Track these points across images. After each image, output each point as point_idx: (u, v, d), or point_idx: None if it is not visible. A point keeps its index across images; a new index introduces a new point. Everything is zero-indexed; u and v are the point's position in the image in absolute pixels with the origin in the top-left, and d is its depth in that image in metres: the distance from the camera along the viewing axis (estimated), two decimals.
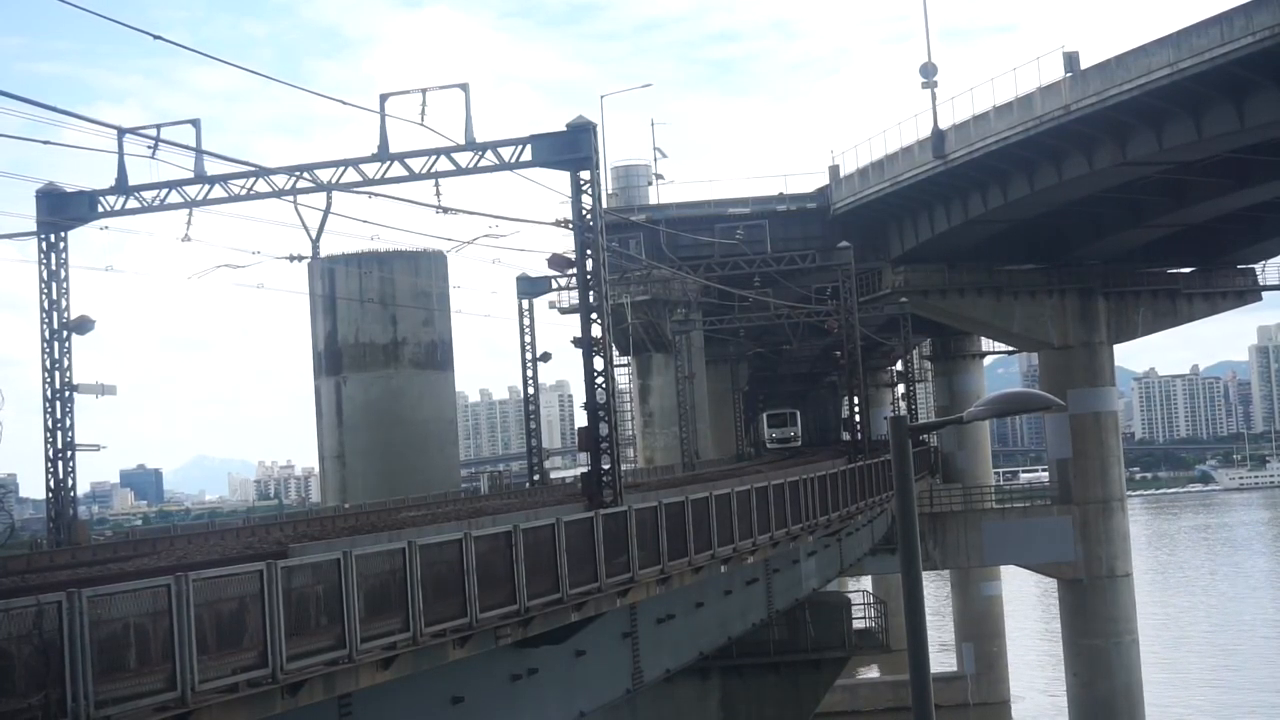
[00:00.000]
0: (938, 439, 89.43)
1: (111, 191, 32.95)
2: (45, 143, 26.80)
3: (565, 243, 42.50)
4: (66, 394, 33.19)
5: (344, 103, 29.43)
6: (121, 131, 31.57)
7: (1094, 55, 55.04)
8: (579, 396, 33.21)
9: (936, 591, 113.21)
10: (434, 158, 31.40)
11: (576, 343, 32.66)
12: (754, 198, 76.55)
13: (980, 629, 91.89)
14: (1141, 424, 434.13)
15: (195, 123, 32.11)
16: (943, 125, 64.29)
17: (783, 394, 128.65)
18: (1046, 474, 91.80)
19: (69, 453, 33.31)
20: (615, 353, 65.71)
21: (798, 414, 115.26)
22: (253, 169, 32.27)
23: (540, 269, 50.11)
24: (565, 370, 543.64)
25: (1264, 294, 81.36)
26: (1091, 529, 76.33)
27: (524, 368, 51.34)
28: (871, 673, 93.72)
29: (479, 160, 31.28)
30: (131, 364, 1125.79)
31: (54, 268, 33.11)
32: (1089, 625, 75.26)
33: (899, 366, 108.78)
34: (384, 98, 31.49)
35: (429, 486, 55.78)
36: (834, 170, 76.00)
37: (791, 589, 42.65)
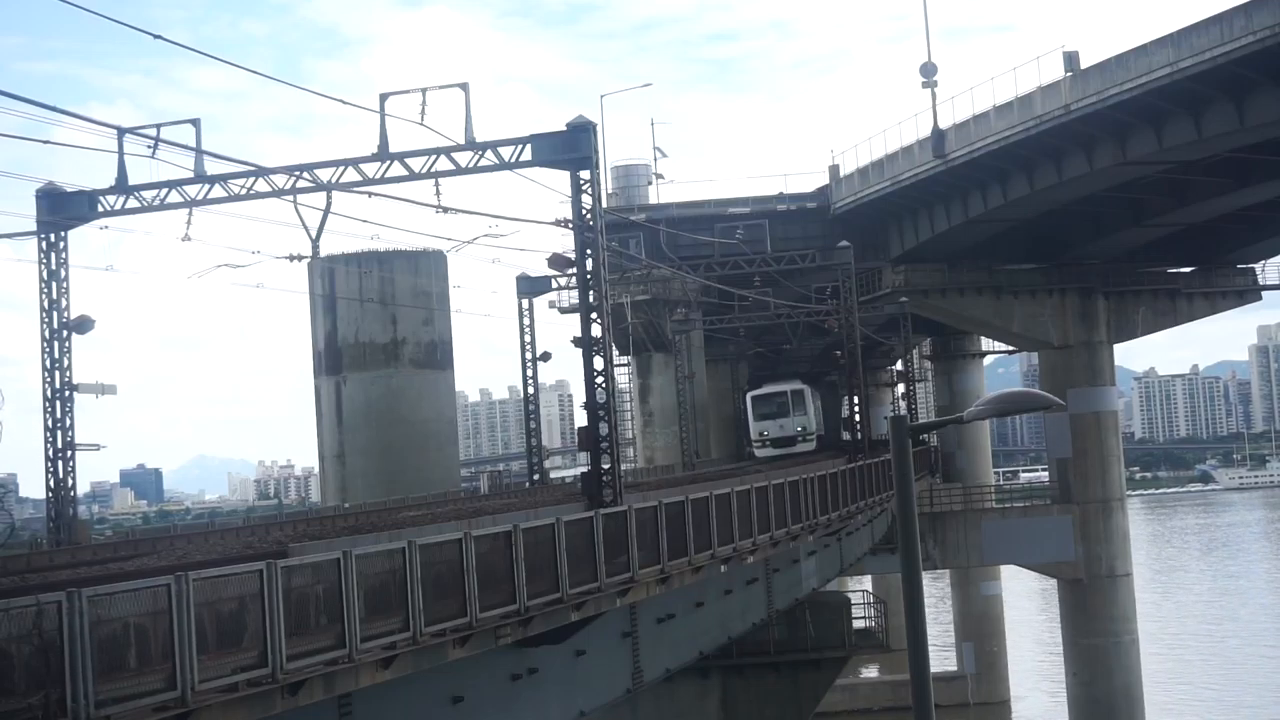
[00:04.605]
0: (938, 439, 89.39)
1: (111, 191, 32.93)
2: (45, 142, 26.81)
3: (565, 242, 42.61)
4: (66, 394, 33.18)
5: (344, 102, 29.45)
6: (121, 131, 31.57)
7: (1094, 55, 55.17)
8: (579, 396, 33.20)
9: (936, 591, 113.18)
10: (434, 157, 31.39)
11: (576, 342, 32.65)
12: (754, 197, 76.54)
13: (980, 629, 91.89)
14: (1141, 423, 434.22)
15: (195, 122, 32.10)
16: (943, 125, 64.31)
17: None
18: (1046, 473, 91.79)
19: (69, 452, 33.30)
20: (615, 353, 65.70)
21: (806, 393, 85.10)
22: (253, 169, 32.26)
23: (540, 269, 50.29)
24: (565, 370, 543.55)
25: (1264, 294, 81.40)
26: (1091, 528, 76.34)
27: (524, 367, 51.36)
28: (871, 672, 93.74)
29: (479, 160, 31.27)
30: (131, 364, 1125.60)
31: (54, 267, 33.10)
32: (1089, 625, 75.28)
33: (899, 366, 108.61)
34: (384, 97, 31.48)
35: (429, 486, 55.82)
36: (834, 170, 76.00)
37: (791, 589, 42.66)
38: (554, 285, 58.77)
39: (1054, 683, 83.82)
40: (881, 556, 66.51)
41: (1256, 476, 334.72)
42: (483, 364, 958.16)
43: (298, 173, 32.12)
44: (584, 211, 31.43)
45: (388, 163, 31.55)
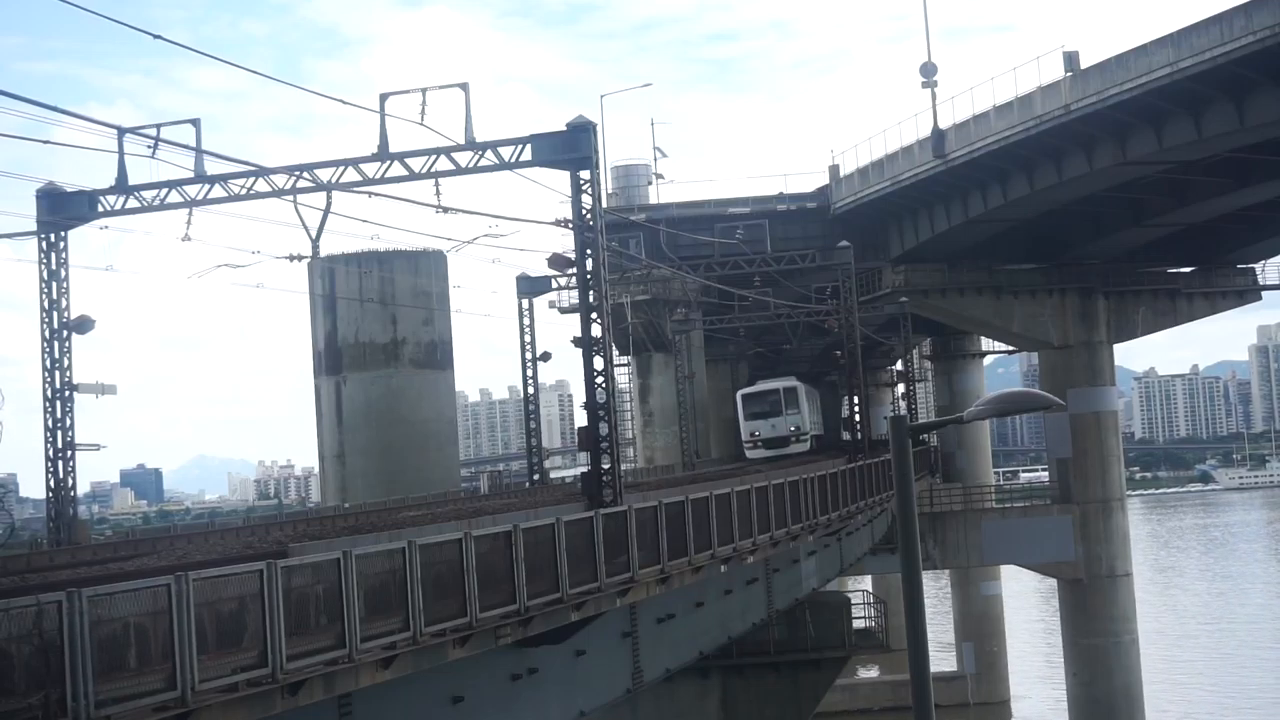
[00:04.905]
0: (938, 439, 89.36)
1: (111, 191, 32.93)
2: (45, 142, 26.81)
3: (565, 242, 42.62)
4: (66, 394, 33.18)
5: (344, 102, 29.44)
6: (121, 131, 31.57)
7: (1094, 55, 55.18)
8: (579, 396, 33.19)
9: (936, 591, 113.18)
10: (434, 157, 31.38)
11: (576, 342, 32.65)
12: (754, 197, 76.54)
13: (980, 629, 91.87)
14: (1141, 423, 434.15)
15: (195, 122, 32.10)
16: (943, 125, 64.31)
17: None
18: (1046, 474, 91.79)
19: (69, 452, 33.29)
20: (615, 353, 65.67)
21: (799, 390, 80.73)
22: (253, 169, 32.25)
23: (540, 269, 50.29)
24: (565, 370, 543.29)
25: (1264, 294, 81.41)
26: (1091, 528, 76.34)
27: (524, 367, 51.34)
28: (871, 672, 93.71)
29: (479, 160, 31.26)
30: (131, 364, 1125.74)
31: (54, 267, 33.09)
32: (1089, 625, 75.28)
33: (899, 366, 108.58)
34: (384, 97, 31.47)
35: (429, 486, 55.81)
36: (834, 170, 76.02)
37: (791, 588, 42.66)
38: (554, 285, 58.76)
39: (1054, 683, 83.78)
40: (881, 556, 66.50)
41: (1256, 476, 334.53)
42: (483, 364, 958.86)
43: (298, 173, 32.11)
44: (584, 211, 31.41)
45: (388, 163, 31.54)
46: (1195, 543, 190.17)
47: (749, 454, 78.91)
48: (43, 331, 33.17)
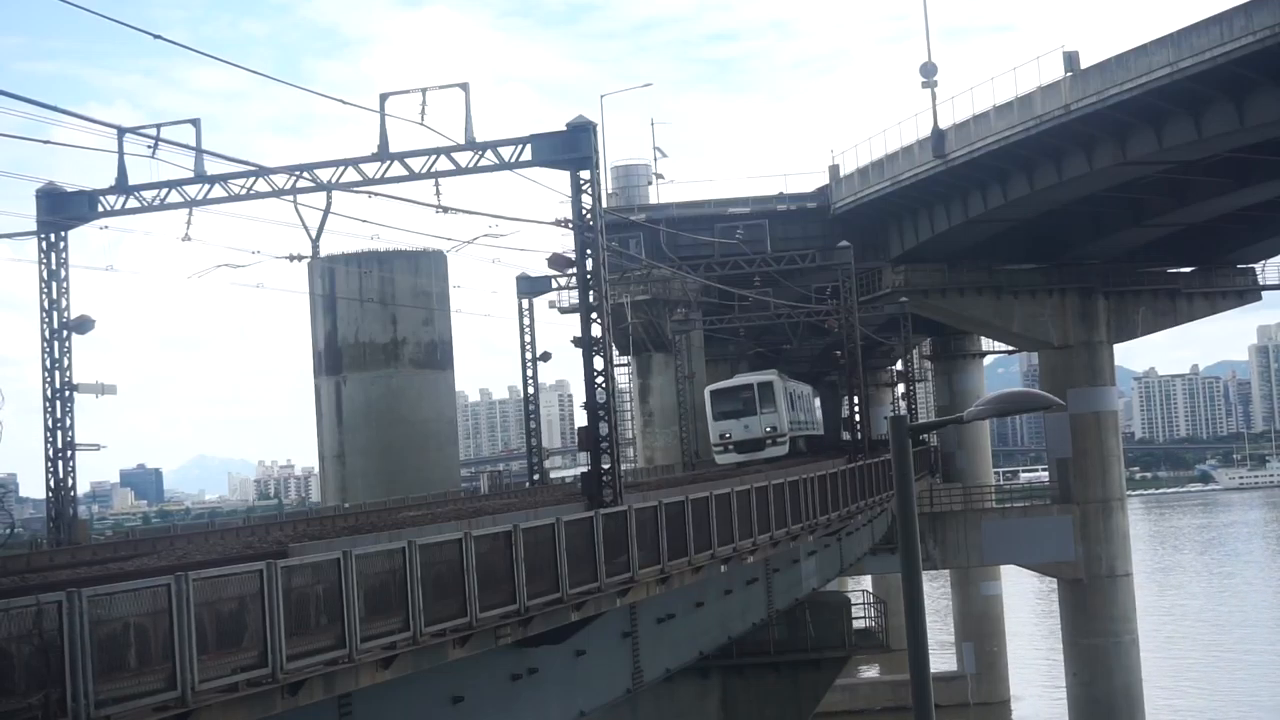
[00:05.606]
0: (938, 439, 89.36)
1: (111, 191, 32.91)
2: (45, 142, 26.79)
3: (565, 242, 42.65)
4: (66, 394, 33.17)
5: (344, 102, 29.44)
6: (121, 131, 31.57)
7: (1094, 55, 55.18)
8: (579, 396, 33.18)
9: (936, 591, 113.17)
10: (434, 157, 31.37)
11: (576, 342, 32.64)
12: (754, 197, 76.51)
13: (980, 629, 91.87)
14: (1141, 423, 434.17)
15: (195, 122, 32.09)
16: (943, 125, 64.29)
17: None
18: (1046, 474, 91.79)
19: (69, 452, 33.28)
20: (615, 353, 65.62)
21: (776, 386, 70.34)
22: (253, 168, 32.23)
23: (540, 269, 50.31)
24: (565, 370, 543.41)
25: (1264, 294, 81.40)
26: (1091, 528, 76.34)
27: (524, 367, 51.35)
28: (871, 672, 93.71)
29: (479, 160, 31.24)
30: (131, 364, 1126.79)
31: (54, 267, 33.08)
32: (1089, 625, 75.28)
33: (899, 366, 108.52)
34: (384, 97, 31.45)
35: (429, 486, 55.85)
36: (834, 170, 76.00)
37: (791, 588, 42.67)
38: (554, 285, 58.76)
39: (1054, 683, 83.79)
40: (881, 556, 66.48)
41: (1256, 476, 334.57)
42: (483, 364, 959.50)
43: (298, 173, 32.10)
44: (584, 211, 31.40)
45: (388, 163, 31.52)
46: (1195, 543, 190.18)
47: (718, 459, 68.40)
48: (43, 331, 33.16)
